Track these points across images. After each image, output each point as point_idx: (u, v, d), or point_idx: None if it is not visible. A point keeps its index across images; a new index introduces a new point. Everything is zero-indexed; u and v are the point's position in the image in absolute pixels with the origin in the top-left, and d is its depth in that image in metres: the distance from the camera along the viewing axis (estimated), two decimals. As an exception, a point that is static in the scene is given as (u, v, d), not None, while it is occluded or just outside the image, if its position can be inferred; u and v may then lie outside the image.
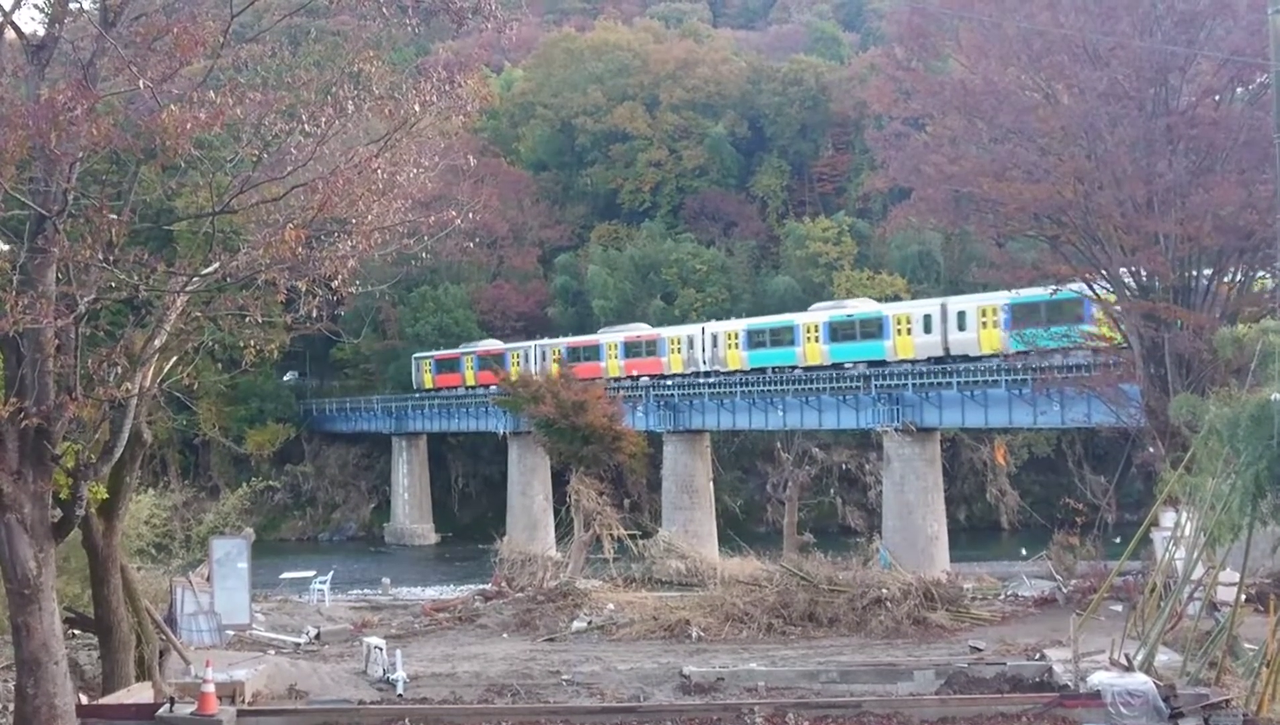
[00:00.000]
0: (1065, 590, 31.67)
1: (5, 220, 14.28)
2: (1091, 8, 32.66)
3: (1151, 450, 34.94)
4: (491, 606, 31.82)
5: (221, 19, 13.84)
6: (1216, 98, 33.15)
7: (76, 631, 21.35)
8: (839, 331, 56.95)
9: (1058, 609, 29.57)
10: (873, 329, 55.10)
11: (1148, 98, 32.42)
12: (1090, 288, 35.65)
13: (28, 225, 14.10)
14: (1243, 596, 20.32)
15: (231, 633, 27.17)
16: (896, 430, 50.40)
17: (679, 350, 65.58)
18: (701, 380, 61.74)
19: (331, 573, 38.25)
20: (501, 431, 68.49)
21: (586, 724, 17.87)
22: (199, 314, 16.73)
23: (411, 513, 78.43)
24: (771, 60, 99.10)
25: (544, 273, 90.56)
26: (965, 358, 49.87)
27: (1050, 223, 34.32)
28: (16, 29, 14.27)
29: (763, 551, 36.19)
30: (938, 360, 51.08)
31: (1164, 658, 19.90)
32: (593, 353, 70.36)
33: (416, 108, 14.30)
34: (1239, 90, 33.81)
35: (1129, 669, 18.63)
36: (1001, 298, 46.42)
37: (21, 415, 14.02)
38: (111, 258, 14.00)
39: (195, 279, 15.34)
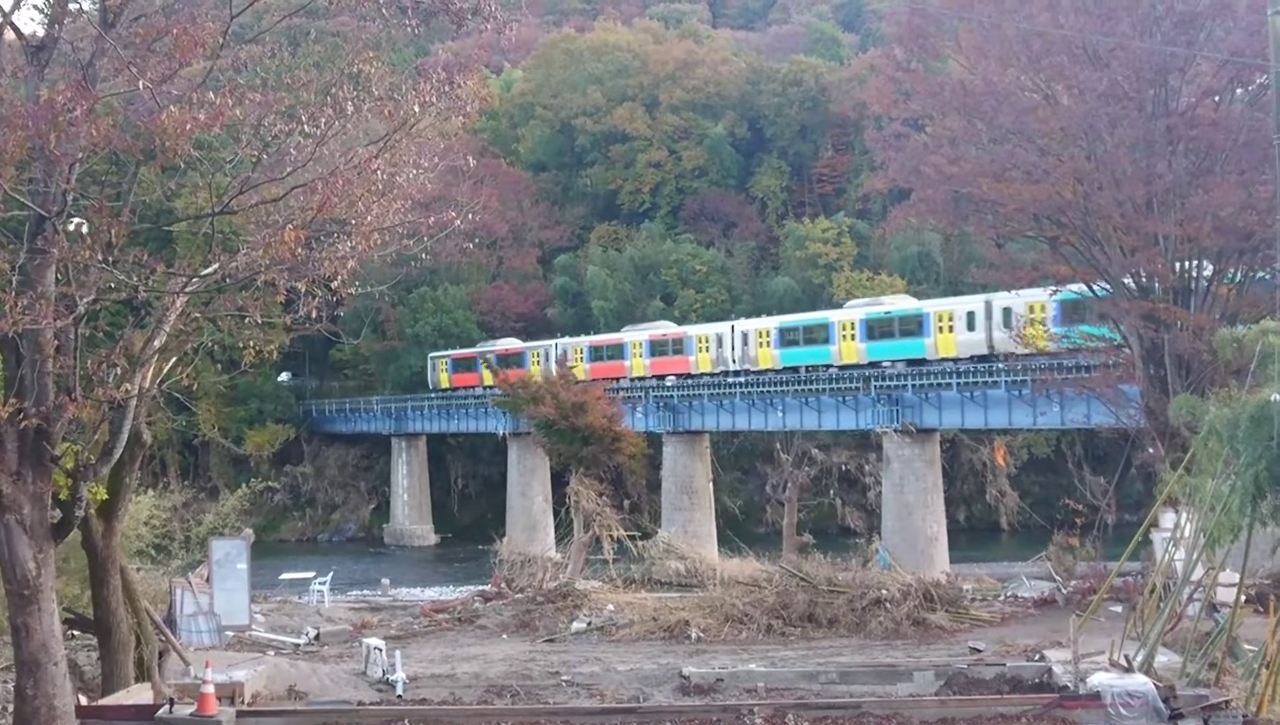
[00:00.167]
0: (1065, 591, 31.67)
1: (5, 221, 14.27)
2: (1091, 9, 32.68)
3: (1151, 451, 34.96)
4: (491, 607, 31.81)
5: (221, 20, 13.84)
6: (1216, 99, 33.15)
7: (76, 632, 21.33)
8: (876, 329, 55.10)
9: (1057, 610, 29.56)
10: (912, 326, 53.31)
11: (1147, 99, 32.43)
12: (1090, 289, 35.65)
13: (27, 226, 14.10)
14: (1242, 597, 20.32)
15: (231, 634, 27.17)
16: (896, 431, 50.32)
17: (707, 349, 64.07)
18: (731, 380, 60.15)
19: (331, 574, 38.24)
20: (501, 432, 68.35)
21: (586, 725, 17.88)
22: (198, 315, 16.73)
23: (411, 514, 78.40)
24: (771, 61, 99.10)
25: (543, 274, 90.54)
26: (1012, 356, 47.17)
27: (1050, 223, 34.33)
28: (16, 30, 14.27)
29: (762, 552, 36.18)
30: (981, 358, 49.03)
31: (1164, 659, 19.90)
32: (616, 352, 69.10)
33: (416, 109, 14.31)
34: (1239, 91, 33.82)
35: (1129, 670, 18.63)
36: (1042, 294, 43.06)
37: (21, 416, 14.02)
38: (111, 259, 14.00)
39: (195, 280, 15.35)
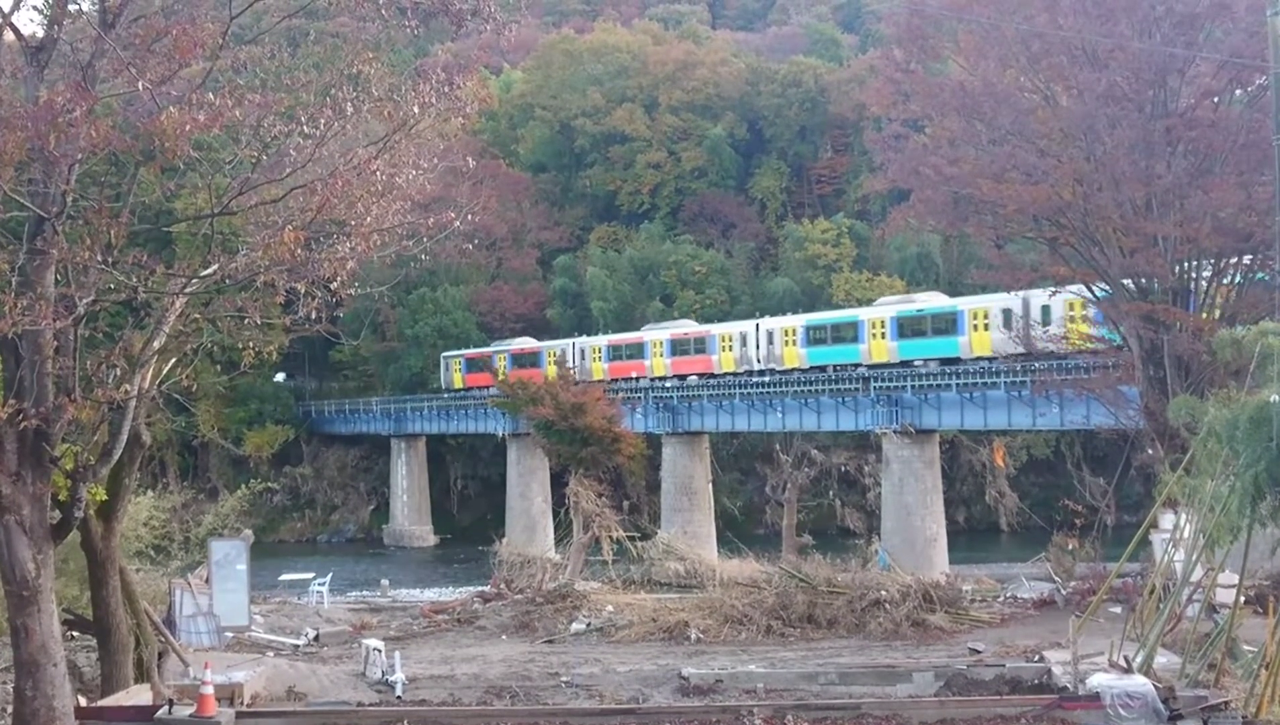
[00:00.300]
0: (1064, 592, 31.67)
1: (4, 222, 14.27)
2: (1090, 10, 32.69)
3: (1150, 452, 34.97)
4: (490, 608, 31.80)
5: (220, 21, 13.84)
6: (1215, 100, 33.18)
7: (75, 633, 21.34)
8: (908, 327, 53.53)
9: (1057, 611, 29.57)
10: (946, 324, 51.81)
11: (1146, 100, 32.46)
12: (1089, 290, 35.66)
13: (26, 227, 14.10)
14: (1242, 598, 20.34)
15: (230, 634, 27.15)
16: (895, 432, 50.28)
17: (730, 348, 62.91)
18: (755, 379, 59.06)
19: (330, 574, 38.26)
20: (500, 433, 68.24)
21: (585, 726, 17.86)
22: (198, 316, 16.72)
23: (410, 514, 78.37)
24: (770, 62, 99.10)
25: (543, 274, 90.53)
26: (1052, 356, 44.25)
27: (1049, 224, 34.35)
28: (15, 30, 14.26)
29: (761, 553, 36.18)
30: (1019, 357, 46.95)
31: (1163, 659, 19.89)
32: (636, 351, 67.88)
33: (415, 109, 14.30)
34: (1238, 92, 33.85)
35: (1128, 671, 18.62)
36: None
37: (20, 417, 14.01)
38: (110, 260, 13.99)
39: (194, 281, 15.34)
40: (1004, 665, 21.93)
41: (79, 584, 21.69)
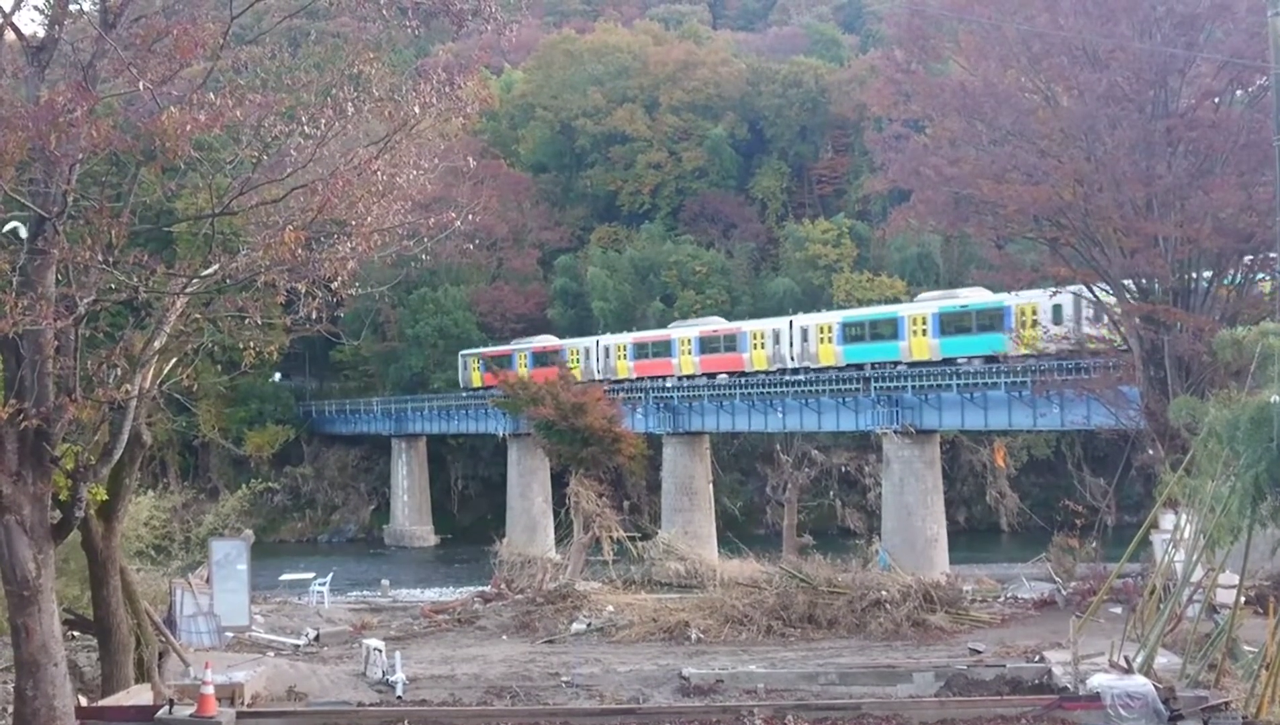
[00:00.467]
0: (1065, 592, 31.68)
1: (5, 222, 14.28)
2: (1091, 10, 32.69)
3: (1151, 452, 34.97)
4: (491, 608, 31.81)
5: (221, 21, 13.84)
6: (1216, 100, 33.18)
7: (76, 633, 21.33)
8: (951, 323, 51.85)
9: (1057, 611, 29.57)
10: (989, 321, 50.03)
11: (1147, 100, 32.46)
12: (1090, 290, 35.64)
13: (27, 227, 14.10)
14: (1242, 599, 20.33)
15: (231, 634, 27.16)
16: (896, 432, 50.27)
17: (762, 345, 61.10)
18: (789, 377, 57.65)
19: (331, 574, 38.24)
20: (501, 433, 68.12)
21: (586, 726, 17.87)
22: (198, 316, 16.73)
23: (411, 514, 78.39)
24: (771, 62, 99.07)
25: (543, 275, 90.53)
26: (1104, 353, 40.78)
27: (1050, 225, 34.35)
28: (16, 30, 14.27)
29: (762, 553, 36.19)
30: (1072, 355, 44.25)
31: (1163, 660, 19.90)
32: (663, 348, 66.23)
33: (416, 110, 14.31)
34: (1238, 93, 33.85)
35: (1128, 671, 18.62)
36: None
37: (21, 417, 14.02)
38: (111, 259, 14.00)
39: (195, 281, 15.35)
40: (1004, 665, 21.94)
41: (79, 584, 21.70)
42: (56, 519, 15.53)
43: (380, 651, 23.60)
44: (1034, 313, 46.74)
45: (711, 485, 61.57)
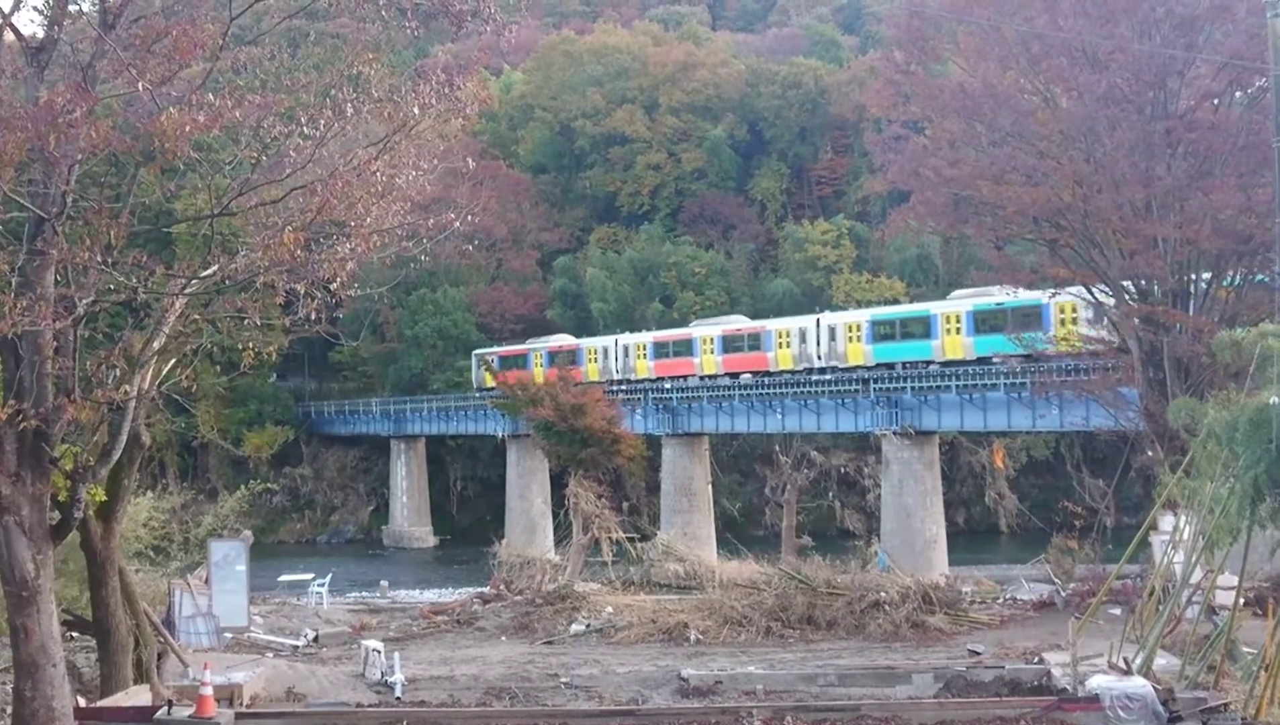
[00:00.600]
0: (1064, 594, 31.69)
1: (4, 222, 14.27)
2: (1090, 11, 32.69)
3: (1150, 454, 34.95)
4: (490, 609, 31.81)
5: (221, 22, 13.84)
6: (1215, 101, 33.18)
7: (74, 634, 21.33)
8: (986, 322, 50.40)
9: (1056, 612, 29.58)
10: (1029, 319, 48.44)
11: (1146, 101, 32.46)
12: (1089, 291, 35.64)
13: (26, 227, 14.10)
14: (1241, 600, 20.32)
15: (230, 635, 27.16)
16: (895, 433, 50.24)
17: (787, 344, 59.48)
18: (816, 377, 56.47)
19: (330, 575, 38.25)
20: (500, 434, 68.04)
21: (585, 727, 17.86)
22: (198, 316, 16.71)
23: (410, 515, 78.36)
24: (770, 63, 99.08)
25: (543, 275, 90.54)
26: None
27: (1049, 226, 34.35)
28: (15, 31, 14.27)
29: (761, 554, 36.18)
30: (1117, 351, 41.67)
31: (1162, 661, 19.89)
32: (684, 348, 64.67)
33: (416, 110, 14.31)
34: (1238, 94, 33.85)
35: (1127, 672, 18.62)
36: None
37: (20, 417, 14.01)
38: (110, 260, 14.00)
39: (194, 281, 15.34)
40: (1003, 667, 21.95)
41: (78, 584, 21.68)
42: (55, 520, 15.52)
43: (379, 652, 23.60)
44: (1073, 311, 45.46)
45: (710, 486, 61.51)
